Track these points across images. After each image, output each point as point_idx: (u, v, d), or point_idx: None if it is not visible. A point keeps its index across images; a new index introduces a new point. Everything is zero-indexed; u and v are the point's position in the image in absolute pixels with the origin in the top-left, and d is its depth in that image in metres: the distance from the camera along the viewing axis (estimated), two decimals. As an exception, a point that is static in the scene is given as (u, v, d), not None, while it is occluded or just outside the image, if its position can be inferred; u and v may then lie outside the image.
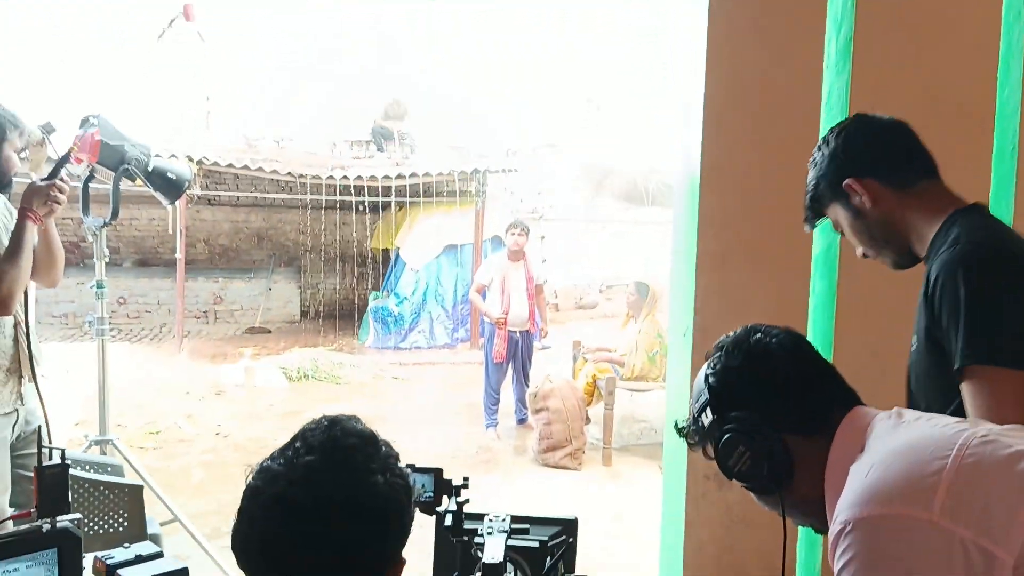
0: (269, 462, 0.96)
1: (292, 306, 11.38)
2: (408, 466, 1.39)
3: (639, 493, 5.47)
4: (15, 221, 2.48)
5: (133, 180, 3.82)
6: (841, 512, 1.07)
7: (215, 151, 9.73)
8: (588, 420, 6.43)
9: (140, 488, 3.39)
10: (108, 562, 2.13)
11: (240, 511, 0.95)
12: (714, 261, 2.80)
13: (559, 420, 5.95)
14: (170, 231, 9.84)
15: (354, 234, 11.15)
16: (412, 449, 6.07)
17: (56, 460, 1.85)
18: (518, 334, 6.52)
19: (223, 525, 4.75)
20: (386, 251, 11.20)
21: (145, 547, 2.23)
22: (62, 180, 2.65)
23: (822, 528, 1.22)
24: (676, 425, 1.36)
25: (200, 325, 10.80)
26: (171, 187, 3.94)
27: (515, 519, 1.42)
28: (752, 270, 2.82)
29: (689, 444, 1.34)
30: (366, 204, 10.02)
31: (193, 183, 8.94)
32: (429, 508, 1.47)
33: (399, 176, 9.79)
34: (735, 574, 2.88)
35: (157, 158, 3.84)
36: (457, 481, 1.46)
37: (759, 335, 1.27)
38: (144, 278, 10.93)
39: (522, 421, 6.80)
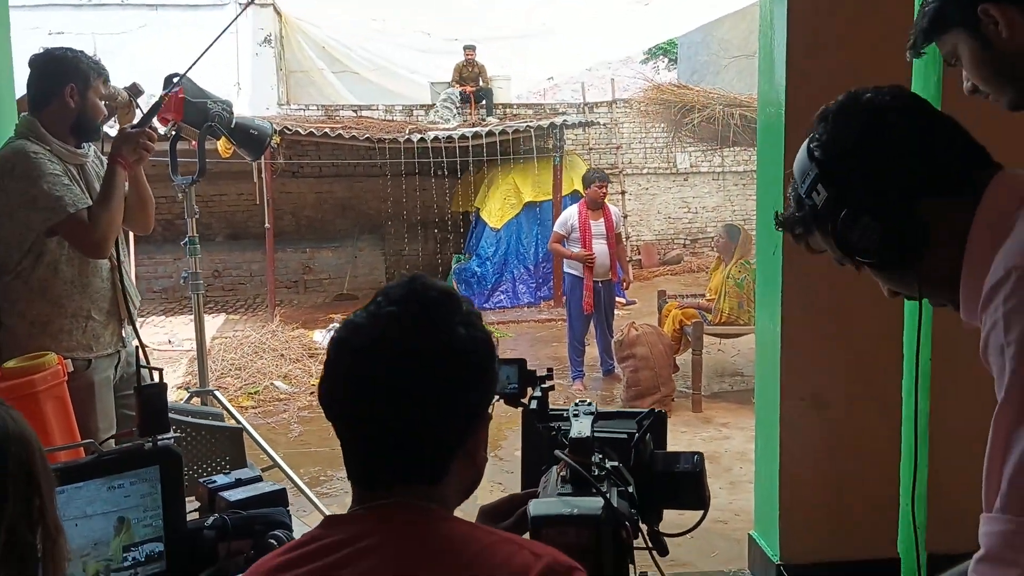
0: (352, 317, 0.96)
1: (377, 272, 11.59)
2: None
3: (732, 436, 5.37)
4: (106, 169, 2.57)
5: (218, 137, 3.90)
6: (1009, 258, 0.95)
7: (295, 122, 9.92)
8: (676, 368, 6.34)
9: (240, 431, 3.50)
10: (210, 486, 2.22)
11: (326, 364, 0.95)
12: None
13: (646, 367, 5.88)
14: (257, 202, 10.11)
15: (434, 198, 11.22)
16: (500, 404, 6.10)
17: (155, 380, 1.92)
18: (600, 284, 6.45)
19: (321, 475, 4.89)
20: (466, 213, 11.25)
21: (245, 472, 2.30)
22: (151, 128, 2.72)
23: (944, 301, 1.11)
24: (776, 216, 1.20)
25: (291, 294, 11.10)
26: (254, 142, 4.02)
27: (601, 414, 1.38)
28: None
29: (794, 236, 1.19)
30: (444, 167, 10.06)
31: (274, 139, 9.17)
32: (514, 400, 1.45)
33: (476, 136, 9.78)
34: (834, 501, 2.79)
35: (239, 115, 3.91)
36: (541, 372, 1.43)
37: (869, 94, 1.11)
38: (236, 251, 11.30)
39: (608, 372, 6.75)
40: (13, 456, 1.04)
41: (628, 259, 11.37)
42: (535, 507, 1.06)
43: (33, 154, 2.43)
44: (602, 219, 6.46)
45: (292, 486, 3.85)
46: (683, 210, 13.05)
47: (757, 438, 2.97)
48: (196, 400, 4.00)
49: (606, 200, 6.59)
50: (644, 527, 1.25)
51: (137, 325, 2.65)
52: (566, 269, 6.66)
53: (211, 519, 2.02)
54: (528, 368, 1.46)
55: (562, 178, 10.05)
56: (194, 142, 3.78)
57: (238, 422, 3.73)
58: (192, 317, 4.18)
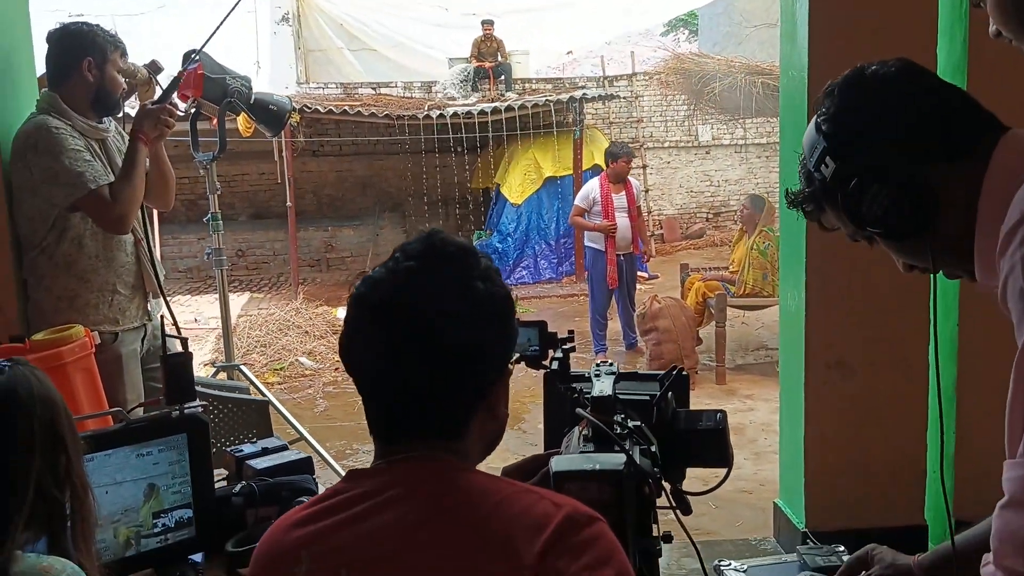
0: (371, 273, 0.96)
1: (399, 250, 11.60)
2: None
3: (756, 408, 5.35)
4: (128, 144, 2.58)
5: (237, 113, 3.92)
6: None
7: (314, 100, 9.92)
8: (699, 341, 6.31)
9: (266, 404, 3.55)
10: (237, 455, 2.25)
11: (346, 320, 0.96)
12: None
13: (669, 340, 5.86)
14: (279, 181, 10.15)
15: (454, 175, 11.19)
16: (523, 378, 6.12)
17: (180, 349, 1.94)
18: (622, 257, 6.42)
19: (347, 448, 4.94)
20: (486, 190, 11.22)
21: (271, 441, 2.33)
22: (172, 104, 2.73)
23: (956, 269, 1.10)
24: (787, 192, 1.20)
25: (314, 273, 11.16)
26: (273, 118, 4.03)
27: (623, 375, 1.38)
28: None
29: (806, 213, 1.20)
30: (464, 144, 10.03)
31: (293, 118, 9.17)
32: (536, 362, 1.45)
33: (495, 111, 9.74)
34: (859, 467, 2.77)
35: (258, 91, 3.91)
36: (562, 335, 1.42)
37: (873, 67, 1.11)
38: (259, 230, 11.37)
39: (631, 346, 6.73)
40: (39, 415, 1.05)
41: (650, 233, 11.34)
42: (557, 463, 1.06)
43: (55, 129, 2.45)
44: (623, 192, 6.43)
45: (318, 458, 3.89)
46: (705, 183, 12.94)
47: (782, 406, 2.96)
48: (223, 375, 4.05)
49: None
50: (667, 486, 1.25)
51: (166, 295, 2.67)
52: (588, 243, 6.63)
53: (239, 486, 2.05)
54: (549, 330, 1.46)
55: (582, 152, 9.99)
56: (214, 119, 3.80)
57: (264, 395, 3.77)
58: (217, 295, 4.23)
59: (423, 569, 0.82)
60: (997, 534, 0.88)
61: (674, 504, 1.26)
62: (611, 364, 1.34)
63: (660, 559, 1.19)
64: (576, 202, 6.72)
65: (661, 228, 12.40)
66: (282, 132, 9.46)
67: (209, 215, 4.01)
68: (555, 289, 9.80)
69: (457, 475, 0.90)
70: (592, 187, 6.56)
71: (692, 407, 1.35)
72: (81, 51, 2.52)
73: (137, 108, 2.75)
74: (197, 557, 1.93)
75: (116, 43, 2.60)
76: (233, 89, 3.72)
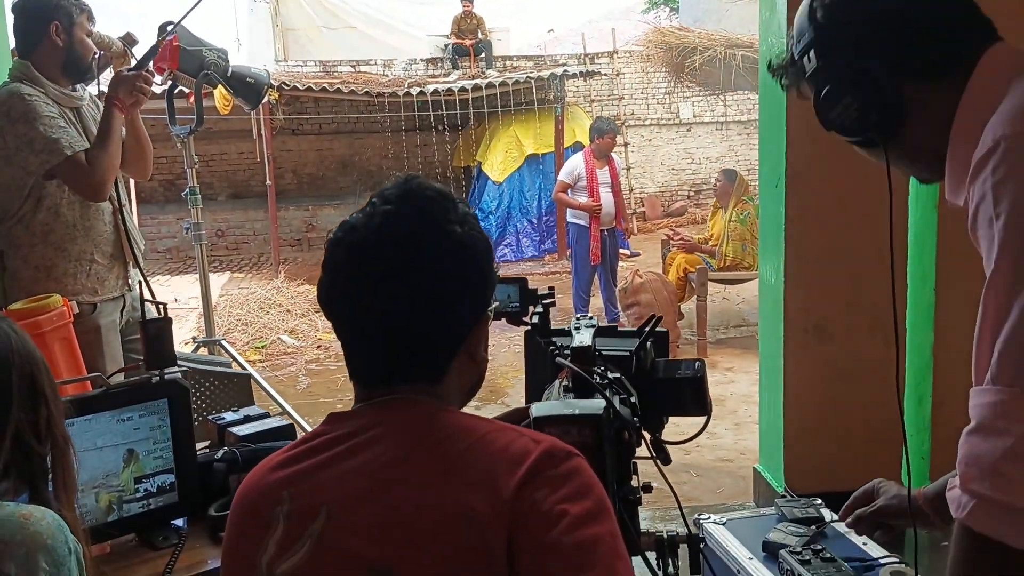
0: (348, 218, 0.96)
1: (381, 229, 11.55)
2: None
3: (737, 380, 5.40)
4: (103, 111, 2.55)
5: (214, 86, 3.86)
6: (998, 128, 0.93)
7: (293, 78, 9.83)
8: (681, 316, 6.34)
9: (248, 377, 3.53)
10: (219, 422, 2.24)
11: (323, 264, 0.95)
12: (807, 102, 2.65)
13: (651, 314, 5.89)
14: (258, 160, 10.06)
15: (435, 154, 11.15)
16: (506, 354, 6.15)
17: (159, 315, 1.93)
18: (605, 232, 6.43)
19: (329, 424, 4.93)
20: (468, 168, 11.18)
21: (253, 409, 2.33)
22: (148, 72, 2.70)
23: (931, 178, 1.12)
24: (769, 64, 1.22)
25: (295, 252, 11.10)
26: (251, 90, 3.98)
27: (602, 329, 1.38)
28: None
29: (781, 85, 1.22)
30: (445, 122, 9.98)
31: (272, 95, 9.08)
32: (516, 318, 1.45)
33: (476, 88, 9.69)
34: (837, 429, 2.80)
35: (235, 64, 3.86)
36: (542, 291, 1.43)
37: None
38: (239, 210, 11.28)
39: (613, 321, 6.75)
40: (17, 367, 1.05)
41: (631, 211, 11.35)
42: (537, 409, 1.06)
43: (28, 96, 2.41)
44: (607, 167, 6.44)
45: (301, 431, 3.88)
46: (686, 161, 12.96)
47: (761, 371, 2.99)
48: (203, 350, 4.02)
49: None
50: (647, 436, 1.26)
51: (143, 265, 2.65)
52: (571, 219, 6.63)
53: (221, 452, 2.05)
54: (529, 287, 1.46)
55: (564, 129, 9.96)
56: (191, 95, 3.76)
57: (246, 369, 3.76)
58: (196, 275, 4.20)
59: (404, 503, 0.83)
60: (963, 459, 0.90)
61: (654, 454, 1.27)
62: (591, 318, 1.35)
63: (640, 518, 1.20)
64: (560, 177, 6.71)
65: (643, 206, 12.42)
66: (260, 109, 9.40)
67: (187, 189, 3.98)
68: (537, 267, 9.80)
69: (438, 414, 0.91)
70: (576, 162, 6.55)
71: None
72: (47, 16, 2.49)
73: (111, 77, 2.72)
74: (180, 522, 1.93)
75: (81, 6, 2.56)
76: (210, 62, 3.67)
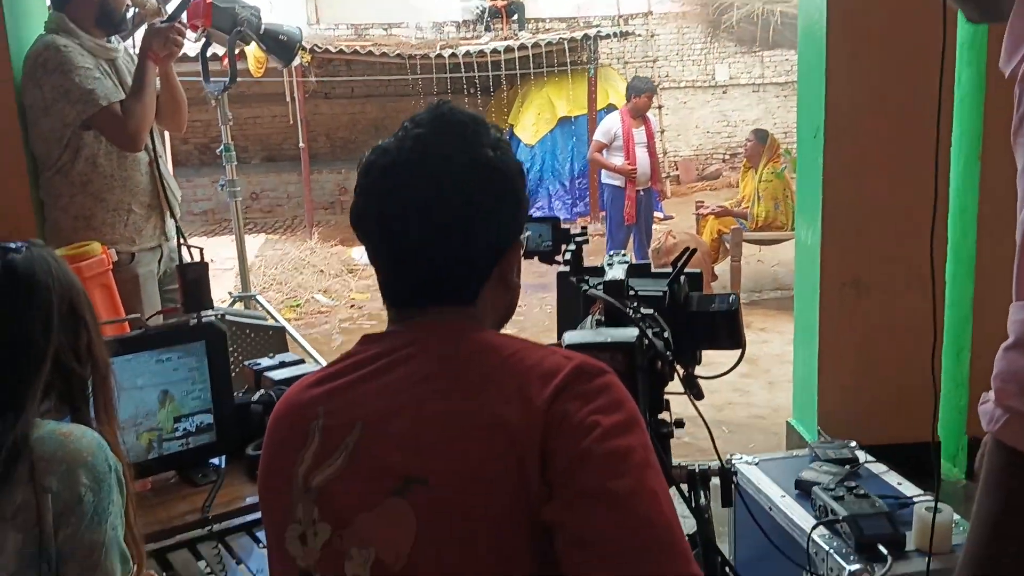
0: (381, 143, 0.95)
1: (413, 192, 11.56)
2: (525, 216, 1.37)
3: (771, 340, 5.36)
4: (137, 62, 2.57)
5: (247, 42, 3.87)
6: None
7: (325, 41, 9.81)
8: (715, 277, 6.29)
9: (282, 330, 3.58)
10: (255, 368, 2.28)
11: (356, 187, 0.96)
12: (846, 54, 2.58)
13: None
14: (291, 122, 10.09)
15: (468, 117, 11.08)
16: (537, 314, 6.16)
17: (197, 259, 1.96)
18: (641, 192, 6.39)
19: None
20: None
21: (288, 356, 2.37)
22: (181, 23, 2.71)
23: (982, 18, 1.06)
24: None
25: (328, 215, 11.15)
26: (283, 48, 3.98)
27: (636, 266, 1.37)
28: (887, 60, 2.59)
29: None
30: (477, 85, 9.89)
31: (304, 58, 9.07)
32: (548, 257, 1.45)
33: (508, 50, 9.59)
34: (872, 383, 2.77)
35: (267, 22, 3.86)
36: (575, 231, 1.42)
37: None
38: (272, 173, 11.35)
39: (646, 283, 6.72)
40: (56, 291, 1.07)
41: (665, 175, 11.22)
42: (568, 337, 1.06)
43: (63, 47, 2.44)
44: (643, 127, 6.38)
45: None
46: (722, 124, 12.75)
47: (796, 325, 2.96)
48: (239, 305, 4.09)
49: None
50: (680, 371, 1.25)
51: (178, 216, 2.68)
52: (606, 180, 6.59)
53: (258, 395, 2.09)
54: (562, 226, 1.46)
55: (597, 91, 9.84)
56: (224, 57, 3.76)
57: (281, 323, 3.81)
58: (232, 236, 4.24)
59: (436, 416, 0.83)
60: (1000, 375, 0.88)
61: (687, 389, 1.27)
62: (624, 255, 1.34)
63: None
64: (596, 137, 6.66)
65: (677, 170, 12.27)
66: (293, 72, 9.41)
67: (222, 146, 4.01)
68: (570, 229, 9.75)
69: (470, 332, 0.91)
70: (613, 122, 6.50)
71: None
72: None
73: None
74: (218, 461, 1.98)
75: None
76: (243, 18, 3.67)
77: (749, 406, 4.26)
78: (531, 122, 10.11)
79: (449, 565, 0.79)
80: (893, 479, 1.50)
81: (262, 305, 4.05)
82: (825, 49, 2.61)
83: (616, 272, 1.23)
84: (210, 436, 1.94)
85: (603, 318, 1.20)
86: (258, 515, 1.81)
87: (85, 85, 2.44)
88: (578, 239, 1.36)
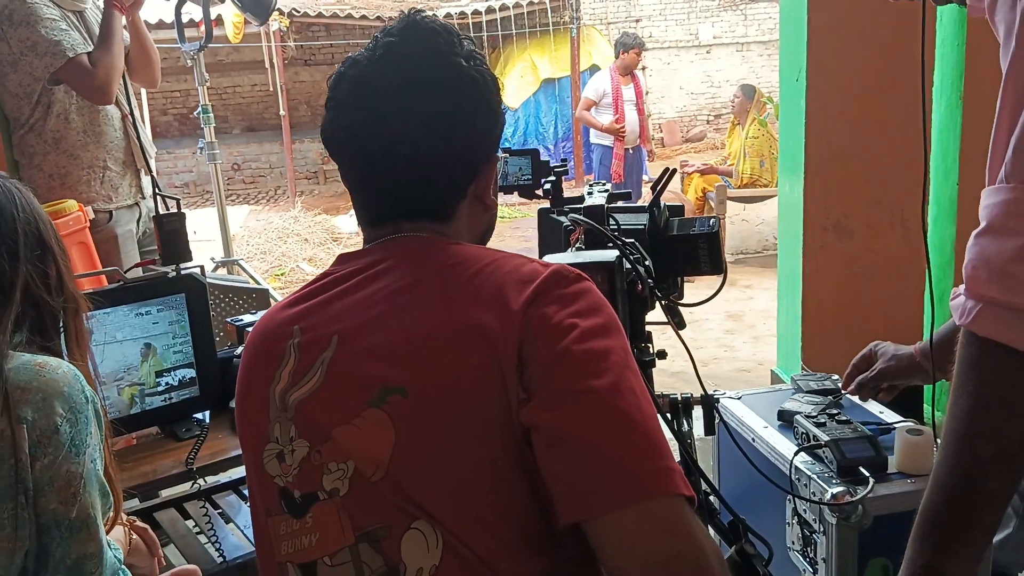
0: (352, 54, 0.93)
1: (397, 160, 11.47)
2: (504, 150, 1.35)
3: (756, 297, 5.38)
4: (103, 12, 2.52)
5: (222, 0, 3.81)
6: None
7: (303, 4, 9.66)
8: (699, 235, 6.29)
9: (266, 292, 3.54)
10: (237, 323, 2.26)
11: (327, 100, 0.93)
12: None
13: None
14: (271, 90, 9.97)
15: (450, 81, 10.97)
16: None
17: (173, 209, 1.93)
18: (630, 151, 6.36)
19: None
20: (483, 95, 11.00)
21: (270, 311, 2.34)
22: None
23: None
24: None
25: (311, 185, 11.08)
26: (259, 6, 3.91)
27: (616, 195, 1.36)
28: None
29: None
30: (459, 47, 9.78)
31: (282, 22, 8.93)
32: (528, 191, 1.43)
33: (489, 10, 9.48)
34: (856, 326, 2.78)
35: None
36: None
37: None
38: (254, 143, 11.24)
39: (633, 244, 6.71)
40: (22, 220, 1.05)
41: (651, 135, 11.16)
42: (548, 260, 1.05)
43: (28, -1, 2.38)
44: (632, 85, 6.34)
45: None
46: (706, 84, 12.68)
47: (780, 272, 2.96)
48: (222, 270, 4.05)
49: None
50: (661, 300, 1.24)
51: (154, 171, 2.65)
52: (594, 139, 6.56)
53: (240, 349, 2.07)
54: (540, 159, 1.44)
55: (580, 52, 9.76)
56: (200, 22, 3.69)
57: (264, 286, 3.78)
58: (215, 208, 4.19)
59: (414, 325, 0.82)
60: (971, 262, 0.85)
61: (669, 318, 1.26)
62: (605, 185, 1.33)
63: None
64: (585, 94, 6.61)
65: (661, 131, 12.23)
66: (272, 37, 9.28)
67: (199, 108, 3.95)
68: (554, 193, 9.72)
69: (448, 245, 0.90)
70: (602, 79, 6.46)
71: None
72: None
73: None
74: (202, 415, 1.97)
75: None
76: (217, -27, 3.60)
77: (734, 360, 4.28)
78: (514, 84, 10.03)
79: (428, 472, 0.78)
80: (875, 407, 1.51)
81: (245, 270, 4.02)
82: (807, 4, 2.59)
83: (596, 200, 1.22)
84: (193, 390, 1.93)
85: (583, 246, 1.19)
86: (244, 472, 1.81)
87: (52, 36, 2.38)
88: (557, 170, 1.34)
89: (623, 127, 6.16)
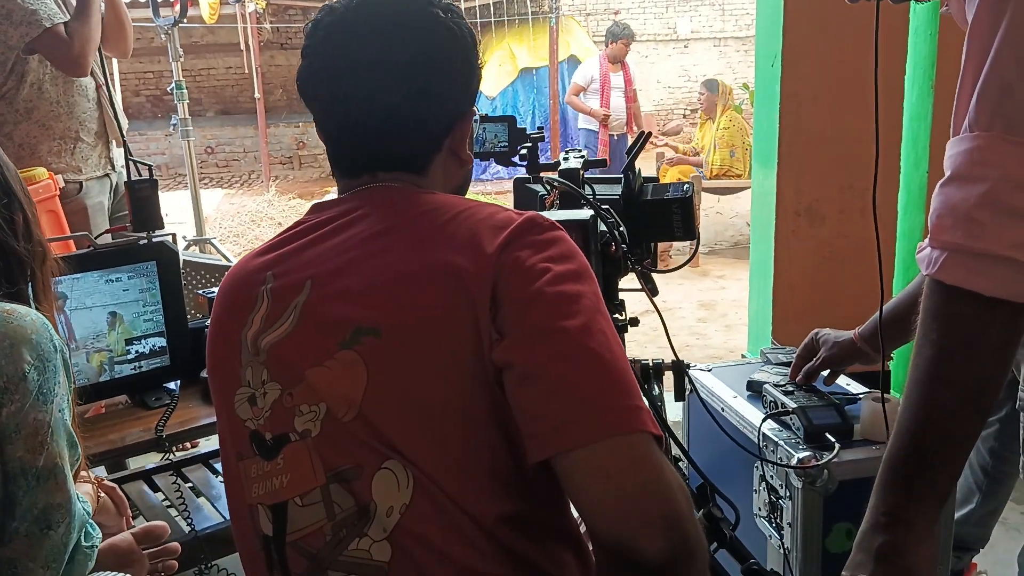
0: (329, 3, 0.93)
1: (373, 147, 11.41)
2: (480, 116, 1.35)
3: (728, 287, 5.43)
4: None
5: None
6: None
7: (281, -13, 9.57)
8: (674, 226, 6.33)
9: (238, 270, 3.53)
10: (208, 295, 2.24)
11: (303, 49, 0.93)
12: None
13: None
14: (246, 72, 9.86)
15: (428, 69, 10.92)
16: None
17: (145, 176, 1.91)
18: (615, 137, 6.41)
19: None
20: (461, 84, 10.96)
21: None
22: None
23: None
24: None
25: (286, 170, 10.98)
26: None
27: (591, 162, 1.36)
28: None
29: None
30: (437, 34, 9.74)
31: (259, 4, 8.83)
32: (504, 158, 1.44)
33: (468, -1, 9.44)
34: (827, 311, 2.82)
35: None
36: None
37: None
38: (228, 126, 11.11)
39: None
40: None
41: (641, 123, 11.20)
42: (524, 218, 1.05)
43: (3, -33, 2.34)
44: (621, 72, 6.40)
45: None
46: (683, 79, 12.75)
47: (752, 258, 2.99)
48: (195, 248, 4.02)
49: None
50: (635, 268, 1.25)
51: (128, 145, 2.61)
52: (581, 125, 6.62)
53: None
54: (518, 126, 1.44)
55: (558, 42, 9.76)
56: (176, 2, 3.65)
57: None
58: (187, 191, 4.15)
59: (388, 267, 0.82)
60: (936, 211, 0.86)
61: (643, 284, 1.27)
62: (581, 152, 1.34)
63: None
64: (574, 79, 6.68)
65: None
66: (248, 19, 9.16)
67: (173, 83, 3.91)
68: (531, 183, 9.72)
69: (423, 194, 0.90)
70: (591, 66, 6.54)
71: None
72: None
73: None
74: (173, 385, 1.95)
75: None
76: (192, -53, 3.55)
77: (706, 347, 4.32)
78: (492, 73, 10.00)
79: (400, 412, 0.79)
80: (842, 380, 1.54)
81: (217, 248, 3.99)
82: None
83: (572, 164, 1.22)
84: (163, 360, 1.91)
85: (557, 204, 1.19)
86: (215, 446, 1.79)
87: (28, 6, 2.34)
88: (534, 137, 1.35)
89: (608, 113, 6.22)
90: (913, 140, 2.74)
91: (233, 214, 7.63)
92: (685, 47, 12.57)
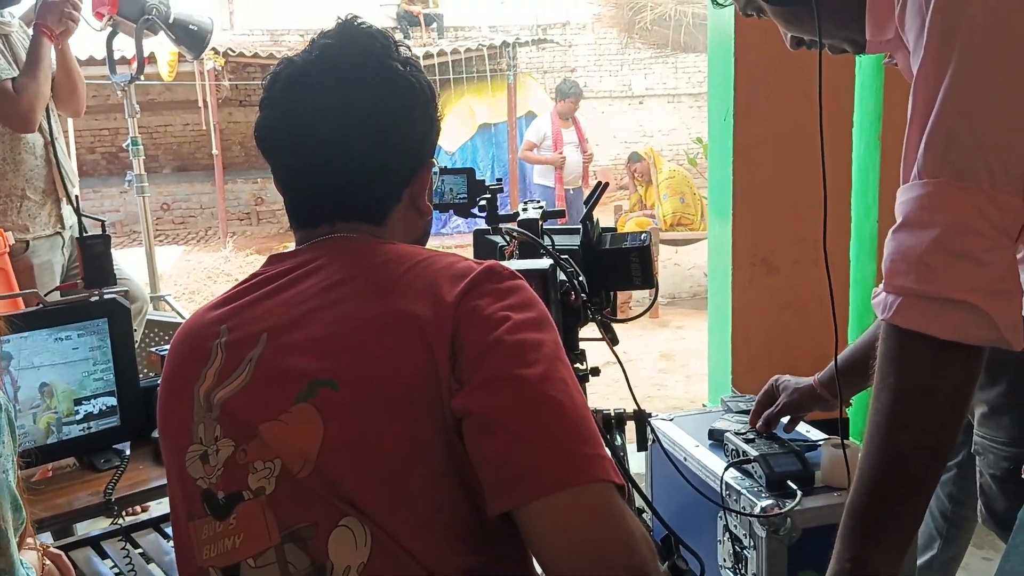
0: (289, 57, 0.93)
1: (332, 203, 11.40)
2: (440, 168, 1.36)
3: (688, 338, 5.47)
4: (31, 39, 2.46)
5: (155, 32, 3.76)
6: None
7: (239, 45, 9.62)
8: (633, 278, 6.40)
9: (193, 327, 3.47)
10: (161, 353, 2.19)
11: (261, 101, 0.92)
12: (755, 29, 2.66)
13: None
14: (204, 129, 9.84)
15: (387, 125, 11.02)
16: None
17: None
18: (571, 191, 6.51)
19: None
20: (420, 139, 11.06)
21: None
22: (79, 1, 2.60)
23: (857, 48, 1.10)
24: None
25: (244, 226, 10.91)
26: (194, 38, 3.88)
27: (550, 217, 1.37)
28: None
29: None
30: (396, 92, 9.85)
31: (218, 62, 8.86)
32: (464, 210, 1.44)
33: (427, 56, 9.59)
34: (785, 361, 2.85)
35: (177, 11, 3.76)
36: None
37: None
38: (185, 183, 11.03)
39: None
40: None
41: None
42: (484, 268, 1.05)
43: (-48, 22, 2.32)
44: (573, 127, 6.54)
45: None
46: (639, 134, 13.02)
47: (710, 307, 3.02)
48: (149, 306, 3.94)
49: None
50: (595, 317, 1.26)
51: (78, 203, 2.57)
52: (536, 181, 6.71)
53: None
54: (477, 178, 1.45)
55: (516, 99, 9.94)
56: (133, 59, 3.64)
57: (192, 322, 3.68)
58: (143, 248, 4.09)
59: (344, 318, 0.81)
60: (889, 257, 0.87)
61: (603, 333, 1.27)
62: (540, 203, 1.35)
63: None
64: (527, 136, 6.80)
65: (596, 178, 12.46)
66: (206, 76, 9.19)
67: (129, 139, 3.88)
68: (491, 237, 9.77)
69: (382, 244, 0.89)
70: (543, 123, 6.67)
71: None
72: None
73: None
74: (123, 446, 1.89)
75: None
76: (151, 6, 3.56)
77: (667, 398, 4.33)
78: (451, 128, 10.12)
79: (357, 465, 0.77)
80: (802, 427, 1.55)
81: (172, 306, 3.92)
82: (733, 25, 2.69)
83: (531, 215, 1.23)
84: (114, 420, 1.85)
85: (517, 254, 1.20)
86: (167, 510, 1.73)
87: None
88: (493, 188, 1.35)
89: (563, 156, 6.36)
90: (863, 190, 2.81)
91: (189, 271, 7.54)
92: (640, 103, 12.88)
